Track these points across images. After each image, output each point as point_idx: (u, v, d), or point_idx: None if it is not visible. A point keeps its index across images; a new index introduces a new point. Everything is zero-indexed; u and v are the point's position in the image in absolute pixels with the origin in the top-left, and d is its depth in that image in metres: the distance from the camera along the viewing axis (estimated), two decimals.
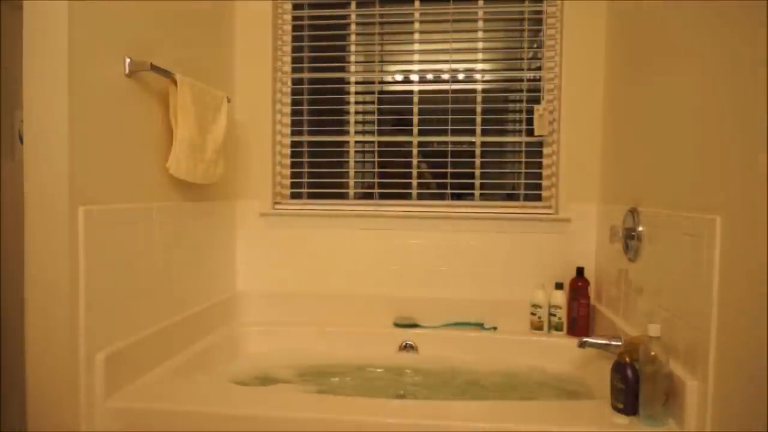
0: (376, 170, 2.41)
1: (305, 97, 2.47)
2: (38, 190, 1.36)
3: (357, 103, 2.49)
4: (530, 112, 2.30)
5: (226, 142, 2.07)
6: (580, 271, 2.15)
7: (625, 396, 1.36)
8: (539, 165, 2.33)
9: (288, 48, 2.44)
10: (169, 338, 1.80)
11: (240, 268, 2.41)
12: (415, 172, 2.40)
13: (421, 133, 2.41)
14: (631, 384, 1.35)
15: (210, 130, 1.95)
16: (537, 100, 2.31)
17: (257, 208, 2.39)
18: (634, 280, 1.76)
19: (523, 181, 2.35)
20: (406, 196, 2.41)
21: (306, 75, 2.47)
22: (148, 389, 1.57)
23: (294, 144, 2.46)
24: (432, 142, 2.42)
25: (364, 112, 2.49)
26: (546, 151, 2.32)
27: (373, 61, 2.45)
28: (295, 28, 2.44)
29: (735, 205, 1.16)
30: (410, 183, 2.41)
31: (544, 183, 2.32)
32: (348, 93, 2.48)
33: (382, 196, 2.41)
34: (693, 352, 1.29)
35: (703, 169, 1.31)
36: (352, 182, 2.47)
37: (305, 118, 2.47)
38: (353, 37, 2.46)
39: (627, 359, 1.38)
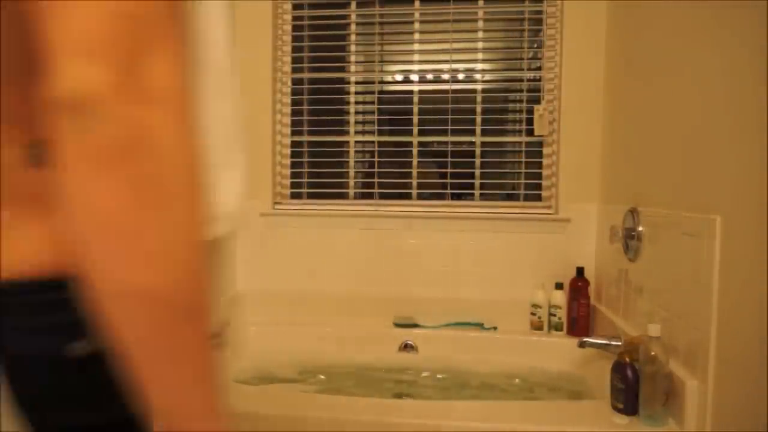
0: (376, 170, 2.41)
1: (305, 97, 2.47)
2: None
3: (357, 103, 2.49)
4: (530, 112, 2.30)
5: None
6: (580, 271, 2.15)
7: (625, 396, 1.36)
8: (539, 165, 2.33)
9: (288, 48, 2.44)
10: None
11: (240, 267, 2.41)
12: (415, 172, 2.40)
13: (421, 133, 2.41)
14: (631, 384, 1.35)
15: None
16: (537, 100, 2.31)
17: (257, 208, 2.39)
18: (634, 280, 1.76)
19: (523, 181, 2.35)
20: (406, 196, 2.41)
21: (306, 75, 2.47)
22: None
23: (294, 144, 2.46)
24: (432, 142, 2.42)
25: (364, 112, 2.49)
26: (546, 151, 2.32)
27: (373, 61, 2.45)
28: (295, 28, 2.44)
29: (735, 205, 1.16)
30: (410, 183, 2.41)
31: (544, 183, 2.32)
32: (348, 93, 2.48)
33: (382, 196, 2.41)
34: (693, 352, 1.29)
35: (703, 169, 1.31)
36: (352, 182, 2.48)
37: (305, 118, 2.47)
38: (353, 37, 2.46)
39: (627, 359, 1.38)
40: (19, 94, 0.43)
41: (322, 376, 2.03)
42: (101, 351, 0.42)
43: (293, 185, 2.47)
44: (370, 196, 2.43)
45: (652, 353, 1.32)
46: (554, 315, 2.16)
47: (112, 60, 0.36)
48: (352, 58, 2.48)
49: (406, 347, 2.21)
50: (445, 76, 2.40)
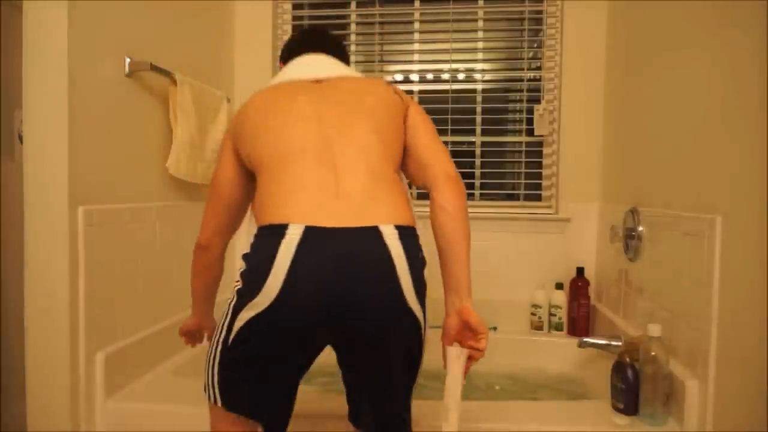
0: None
1: None
2: (38, 190, 1.36)
3: None
4: (530, 112, 2.30)
5: None
6: (580, 271, 2.15)
7: (625, 396, 1.36)
8: (539, 165, 2.33)
9: None
10: (169, 338, 1.80)
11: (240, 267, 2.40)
12: None
13: None
14: (631, 384, 1.35)
15: (210, 130, 1.95)
16: (537, 100, 2.31)
17: None
18: (634, 280, 1.76)
19: (523, 181, 2.34)
20: None
21: None
22: (148, 389, 1.57)
23: None
24: None
25: None
26: (546, 151, 2.31)
27: (373, 61, 2.45)
28: (295, 28, 2.44)
29: (735, 205, 1.17)
30: (410, 183, 2.40)
31: (545, 183, 2.32)
32: None
33: None
34: (693, 352, 1.29)
35: (703, 169, 1.31)
36: None
37: None
38: (353, 37, 2.46)
39: (627, 359, 1.38)
40: (393, 158, 1.16)
41: (323, 376, 2.03)
42: (424, 259, 1.08)
43: None
44: None
45: (652, 353, 1.32)
46: (554, 315, 2.16)
47: (451, 165, 1.17)
48: (352, 58, 2.47)
49: None
50: (445, 76, 2.40)
